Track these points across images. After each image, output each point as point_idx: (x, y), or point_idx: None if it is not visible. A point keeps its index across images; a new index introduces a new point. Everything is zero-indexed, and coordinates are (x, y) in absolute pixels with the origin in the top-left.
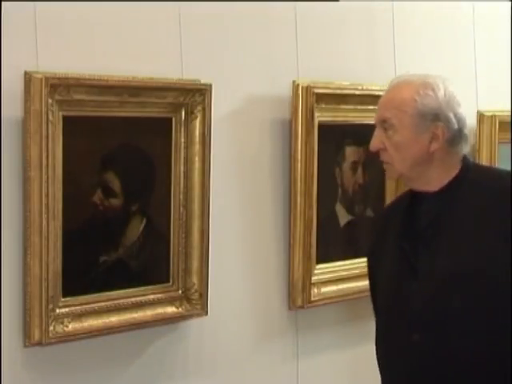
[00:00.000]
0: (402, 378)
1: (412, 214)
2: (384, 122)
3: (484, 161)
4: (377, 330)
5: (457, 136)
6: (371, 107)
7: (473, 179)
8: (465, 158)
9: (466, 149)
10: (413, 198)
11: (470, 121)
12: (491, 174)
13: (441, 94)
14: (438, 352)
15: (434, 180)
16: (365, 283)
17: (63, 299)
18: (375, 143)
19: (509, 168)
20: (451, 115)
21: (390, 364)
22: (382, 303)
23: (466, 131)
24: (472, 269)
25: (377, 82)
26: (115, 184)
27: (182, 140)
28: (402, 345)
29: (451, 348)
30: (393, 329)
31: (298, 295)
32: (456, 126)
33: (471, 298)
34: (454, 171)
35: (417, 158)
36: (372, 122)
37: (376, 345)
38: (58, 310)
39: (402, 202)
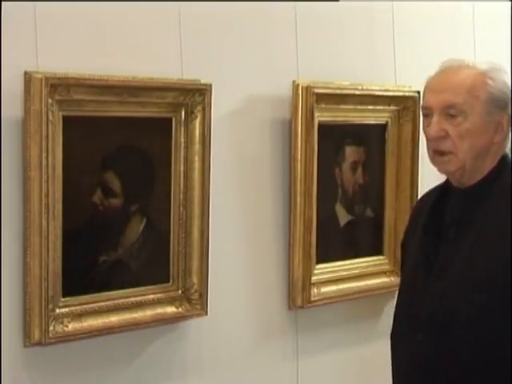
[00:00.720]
0: (406, 377)
1: (440, 209)
2: (451, 108)
3: None
4: (392, 325)
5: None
6: (371, 107)
7: (506, 179)
8: (504, 156)
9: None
10: (442, 193)
11: None
12: None
13: (509, 80)
14: (441, 355)
15: (480, 174)
16: (364, 283)
17: (63, 299)
18: (436, 130)
19: None
20: None
21: (397, 363)
22: (399, 299)
23: None
24: (485, 273)
25: (377, 82)
26: (115, 184)
27: (182, 140)
28: (407, 344)
29: (455, 352)
30: (403, 326)
31: (297, 295)
32: None
33: (482, 303)
34: (490, 168)
35: (481, 148)
36: (372, 121)
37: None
38: (57, 310)
39: (432, 196)
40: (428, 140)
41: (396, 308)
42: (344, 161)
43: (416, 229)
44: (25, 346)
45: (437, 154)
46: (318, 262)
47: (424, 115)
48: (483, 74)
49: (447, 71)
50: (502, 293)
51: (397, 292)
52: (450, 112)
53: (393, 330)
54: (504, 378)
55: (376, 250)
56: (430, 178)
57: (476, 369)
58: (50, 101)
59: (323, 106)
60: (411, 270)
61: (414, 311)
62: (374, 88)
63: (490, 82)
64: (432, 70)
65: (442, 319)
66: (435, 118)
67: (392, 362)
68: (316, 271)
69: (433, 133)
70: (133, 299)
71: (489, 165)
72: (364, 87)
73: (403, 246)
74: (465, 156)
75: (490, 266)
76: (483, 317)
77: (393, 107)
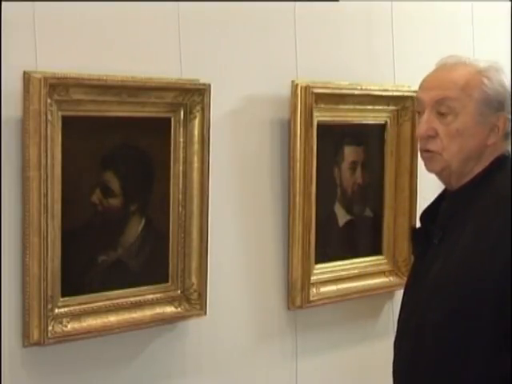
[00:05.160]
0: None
1: (435, 213)
2: (441, 105)
3: None
4: None
5: (511, 131)
6: (370, 107)
7: (495, 184)
8: (501, 157)
9: (509, 146)
10: (441, 195)
11: None
12: None
13: (507, 80)
14: (415, 362)
15: (469, 176)
16: (364, 283)
17: (62, 299)
18: (426, 129)
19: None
20: None
21: (392, 369)
22: None
23: None
24: (453, 279)
25: (376, 82)
26: (114, 184)
27: (181, 140)
28: (396, 351)
29: (425, 360)
30: (397, 333)
31: (296, 295)
32: None
33: (448, 312)
34: (481, 169)
35: (471, 150)
36: (371, 121)
37: None
38: (56, 310)
39: (434, 201)
40: (418, 139)
41: None
42: (343, 161)
43: None
44: (24, 346)
45: (424, 152)
46: (317, 261)
47: (418, 113)
48: (479, 72)
49: (442, 68)
50: (467, 299)
51: (396, 292)
52: (441, 110)
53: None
54: None
55: (375, 249)
56: (429, 178)
57: (442, 378)
58: (49, 101)
59: (322, 105)
60: (408, 276)
61: (400, 318)
62: (373, 88)
63: (485, 81)
64: (431, 70)
65: (414, 326)
66: (425, 116)
67: None
68: (315, 271)
69: (422, 131)
70: (132, 299)
71: (481, 167)
72: (363, 87)
73: None
74: (451, 157)
75: (458, 271)
76: (449, 329)
77: (392, 107)
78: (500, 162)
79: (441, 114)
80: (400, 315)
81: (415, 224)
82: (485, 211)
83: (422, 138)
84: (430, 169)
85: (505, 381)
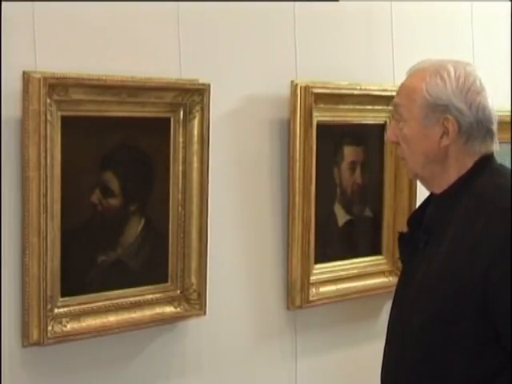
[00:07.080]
0: None
1: (421, 216)
2: (395, 112)
3: None
4: None
5: (474, 130)
6: (369, 107)
7: (476, 186)
8: (482, 159)
9: (491, 146)
10: (428, 199)
11: None
12: (500, 185)
13: (451, 82)
14: (398, 368)
15: (446, 181)
16: (363, 283)
17: (62, 299)
18: (389, 135)
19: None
20: (464, 106)
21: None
22: None
23: (490, 124)
24: (435, 284)
25: (375, 82)
26: (114, 184)
27: (181, 140)
28: (383, 356)
29: (407, 365)
30: (386, 338)
31: (296, 295)
32: (472, 119)
33: (431, 315)
34: (463, 172)
35: (428, 154)
36: (370, 121)
37: None
38: (56, 310)
39: (421, 205)
40: None
41: None
42: (343, 161)
43: None
44: (23, 346)
45: (402, 159)
46: (317, 261)
47: None
48: (423, 77)
49: (407, 74)
50: (449, 301)
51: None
52: (396, 116)
53: None
54: None
55: (375, 249)
56: None
57: (426, 380)
58: (48, 101)
59: (322, 105)
60: (397, 282)
61: (388, 323)
62: (372, 88)
63: (424, 86)
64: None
65: (399, 330)
66: (391, 123)
67: None
68: (314, 271)
69: (387, 137)
70: (131, 299)
71: (456, 170)
72: (362, 87)
73: None
74: (412, 163)
75: (440, 273)
76: (431, 333)
77: (391, 107)
78: (482, 162)
79: (397, 121)
80: (389, 320)
81: (402, 229)
82: (465, 212)
83: (388, 143)
84: (408, 175)
85: (488, 382)
